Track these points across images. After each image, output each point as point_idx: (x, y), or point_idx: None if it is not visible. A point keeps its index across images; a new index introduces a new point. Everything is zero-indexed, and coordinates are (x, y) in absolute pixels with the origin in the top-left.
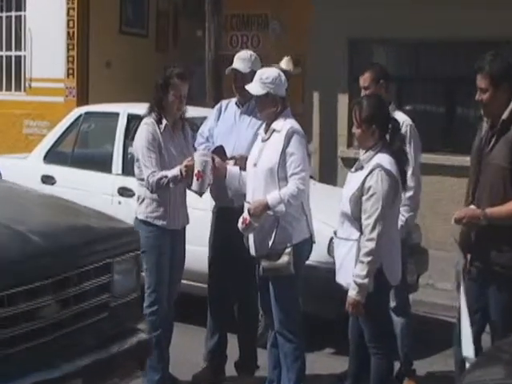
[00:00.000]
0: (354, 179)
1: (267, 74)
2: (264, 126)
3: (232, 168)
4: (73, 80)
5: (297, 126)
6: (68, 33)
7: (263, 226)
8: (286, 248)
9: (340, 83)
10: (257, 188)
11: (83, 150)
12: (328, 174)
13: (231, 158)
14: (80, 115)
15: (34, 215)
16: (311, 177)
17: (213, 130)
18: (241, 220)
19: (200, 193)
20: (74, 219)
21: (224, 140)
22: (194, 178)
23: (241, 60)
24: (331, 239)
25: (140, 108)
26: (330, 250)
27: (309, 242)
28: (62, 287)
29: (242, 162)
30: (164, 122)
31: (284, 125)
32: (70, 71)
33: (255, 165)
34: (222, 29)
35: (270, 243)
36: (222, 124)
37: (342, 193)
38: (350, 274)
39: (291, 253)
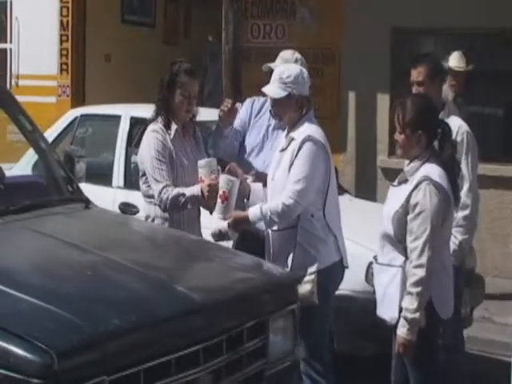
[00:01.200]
0: (396, 194)
1: (288, 71)
2: (285, 132)
3: (255, 186)
4: (67, 77)
5: (316, 133)
6: (61, 22)
7: (280, 247)
8: (308, 274)
9: (381, 80)
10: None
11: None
12: (366, 187)
13: (249, 176)
14: (75, 118)
15: (169, 259)
16: (346, 191)
17: (243, 131)
18: (216, 231)
19: (225, 218)
20: (218, 265)
21: (252, 155)
22: (218, 201)
23: (283, 61)
24: (370, 264)
25: (145, 110)
26: (369, 277)
27: (339, 266)
28: (213, 354)
29: (261, 179)
30: (174, 127)
31: (303, 132)
32: (64, 67)
33: (273, 178)
34: (242, 17)
35: (288, 269)
36: (253, 133)
37: (382, 210)
38: (395, 306)
39: (315, 280)
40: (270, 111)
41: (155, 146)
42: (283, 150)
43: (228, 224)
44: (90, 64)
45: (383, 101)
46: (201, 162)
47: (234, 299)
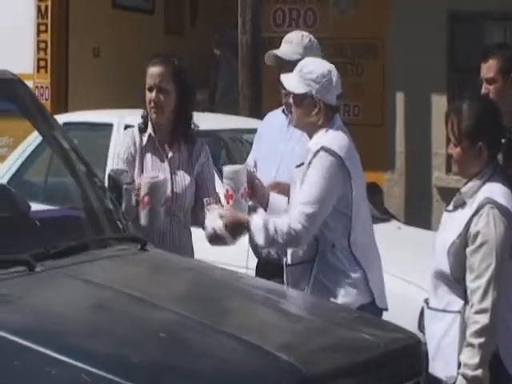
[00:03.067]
0: (452, 222)
1: (312, 66)
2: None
3: (276, 198)
4: (45, 76)
5: (336, 142)
6: (39, 8)
7: (295, 284)
8: None
9: (436, 79)
10: None
11: (61, 178)
12: (418, 211)
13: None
14: None
15: (256, 315)
16: (393, 217)
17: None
18: (211, 232)
19: (146, 225)
20: (319, 321)
21: (264, 162)
22: (140, 208)
23: (287, 44)
24: (423, 309)
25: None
26: (422, 324)
27: (371, 309)
28: None
29: (280, 191)
30: (149, 130)
31: (319, 143)
32: (42, 63)
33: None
34: (263, 0)
35: None
36: (265, 141)
37: (435, 241)
38: (452, 362)
39: None
40: (283, 110)
41: (119, 150)
42: (299, 165)
43: (225, 225)
44: (75, 60)
45: (439, 104)
46: (228, 171)
47: (347, 371)
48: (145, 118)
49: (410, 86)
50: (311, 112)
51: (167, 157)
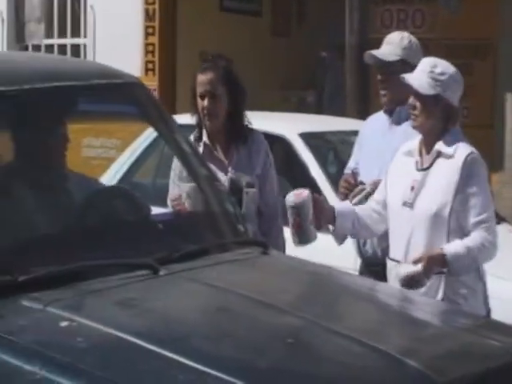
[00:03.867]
0: None
1: (442, 67)
2: (416, 144)
3: (342, 206)
4: (153, 78)
5: (476, 151)
6: (146, 11)
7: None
8: None
9: None
10: (415, 240)
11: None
12: None
13: (359, 185)
14: None
15: (389, 323)
16: (503, 219)
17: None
18: (406, 278)
19: (306, 243)
20: (452, 329)
21: (367, 164)
22: (291, 230)
23: (387, 45)
24: None
25: (252, 118)
26: None
27: None
28: None
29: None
30: (204, 138)
31: (458, 147)
32: (150, 66)
33: (409, 205)
34: (371, 1)
35: None
36: (367, 143)
37: None
38: None
39: None
40: (385, 110)
41: (173, 166)
42: (425, 168)
43: (423, 267)
44: (182, 62)
45: None
46: (291, 200)
47: (477, 378)
48: (199, 125)
49: None
50: (439, 113)
51: (224, 163)
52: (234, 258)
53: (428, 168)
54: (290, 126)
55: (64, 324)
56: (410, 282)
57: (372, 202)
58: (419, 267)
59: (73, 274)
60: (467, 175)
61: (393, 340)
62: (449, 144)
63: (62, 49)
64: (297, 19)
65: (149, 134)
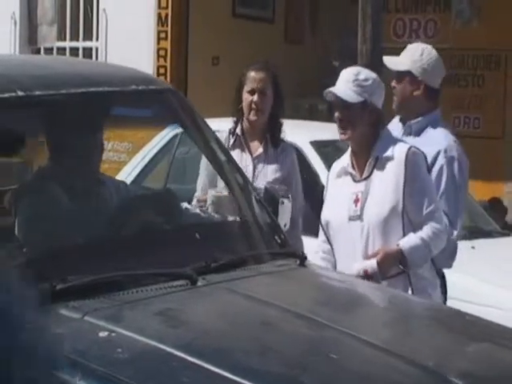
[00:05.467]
0: None
1: (365, 73)
2: (347, 160)
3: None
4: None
5: (411, 144)
6: (159, 15)
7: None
8: None
9: None
10: (372, 248)
11: (180, 185)
12: None
13: None
14: (175, 135)
15: (433, 340)
16: None
17: None
18: (361, 273)
19: None
20: (497, 347)
21: None
22: None
23: (404, 53)
24: None
25: None
26: None
27: None
28: None
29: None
30: (238, 130)
31: (395, 148)
32: (161, 70)
33: (356, 218)
34: (383, 11)
35: None
36: None
37: None
38: None
39: None
40: (401, 118)
41: (206, 171)
42: (365, 178)
43: (377, 262)
44: (194, 68)
45: None
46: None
47: None
48: (236, 122)
49: None
50: (367, 119)
51: (252, 155)
52: (271, 270)
53: (368, 177)
54: (301, 133)
55: (103, 334)
56: (364, 277)
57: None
58: (373, 262)
59: (110, 283)
60: (411, 170)
61: (443, 359)
62: (384, 148)
63: (74, 52)
64: (310, 27)
65: (160, 139)
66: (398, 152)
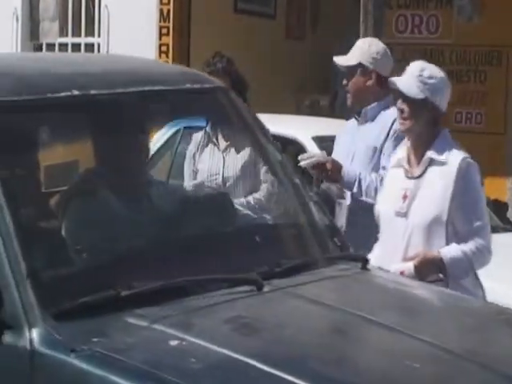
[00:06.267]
0: None
1: (429, 71)
2: (404, 153)
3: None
4: None
5: (468, 154)
6: (161, 11)
7: None
8: None
9: None
10: (413, 250)
11: (182, 181)
12: None
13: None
14: (177, 130)
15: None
16: None
17: None
18: (395, 270)
19: None
20: None
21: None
22: None
23: (352, 50)
24: None
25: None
26: None
27: None
28: None
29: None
30: (207, 127)
31: (450, 153)
32: None
33: (402, 214)
34: (385, 6)
35: None
36: (338, 144)
37: None
38: None
39: None
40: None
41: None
42: (416, 176)
43: (415, 266)
44: (196, 63)
45: None
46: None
47: None
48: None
49: None
50: (427, 118)
51: (219, 149)
52: (336, 274)
53: (420, 176)
54: (303, 129)
55: (174, 343)
56: None
57: None
58: (411, 265)
59: (175, 289)
60: (463, 181)
61: None
62: (440, 150)
63: (76, 48)
64: (311, 23)
65: (161, 136)
66: (452, 159)
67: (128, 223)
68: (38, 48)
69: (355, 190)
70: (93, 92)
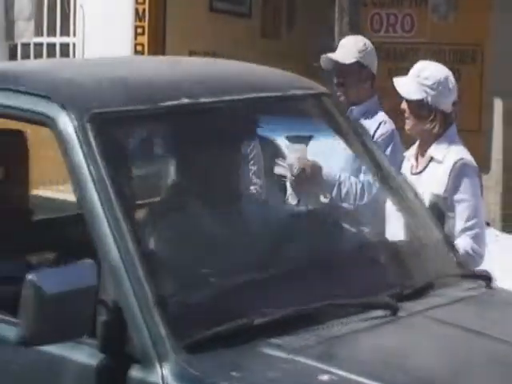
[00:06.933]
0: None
1: (429, 71)
2: (414, 148)
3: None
4: None
5: (468, 156)
6: (136, 10)
7: None
8: None
9: None
10: None
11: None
12: None
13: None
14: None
15: None
16: (488, 224)
17: None
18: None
19: None
20: None
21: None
22: None
23: (340, 47)
24: None
25: None
26: None
27: None
28: None
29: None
30: None
31: (448, 153)
32: None
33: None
34: (360, 5)
35: None
36: (318, 149)
37: None
38: None
39: None
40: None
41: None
42: (417, 172)
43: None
44: None
45: None
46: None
47: None
48: None
49: (509, 92)
50: (426, 118)
51: None
52: (465, 295)
53: (420, 173)
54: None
55: (324, 378)
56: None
57: None
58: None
59: (307, 315)
60: (455, 181)
61: None
62: (440, 149)
63: (51, 48)
64: (287, 22)
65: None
66: (448, 158)
67: (250, 245)
68: (14, 48)
69: (334, 193)
70: (202, 100)
